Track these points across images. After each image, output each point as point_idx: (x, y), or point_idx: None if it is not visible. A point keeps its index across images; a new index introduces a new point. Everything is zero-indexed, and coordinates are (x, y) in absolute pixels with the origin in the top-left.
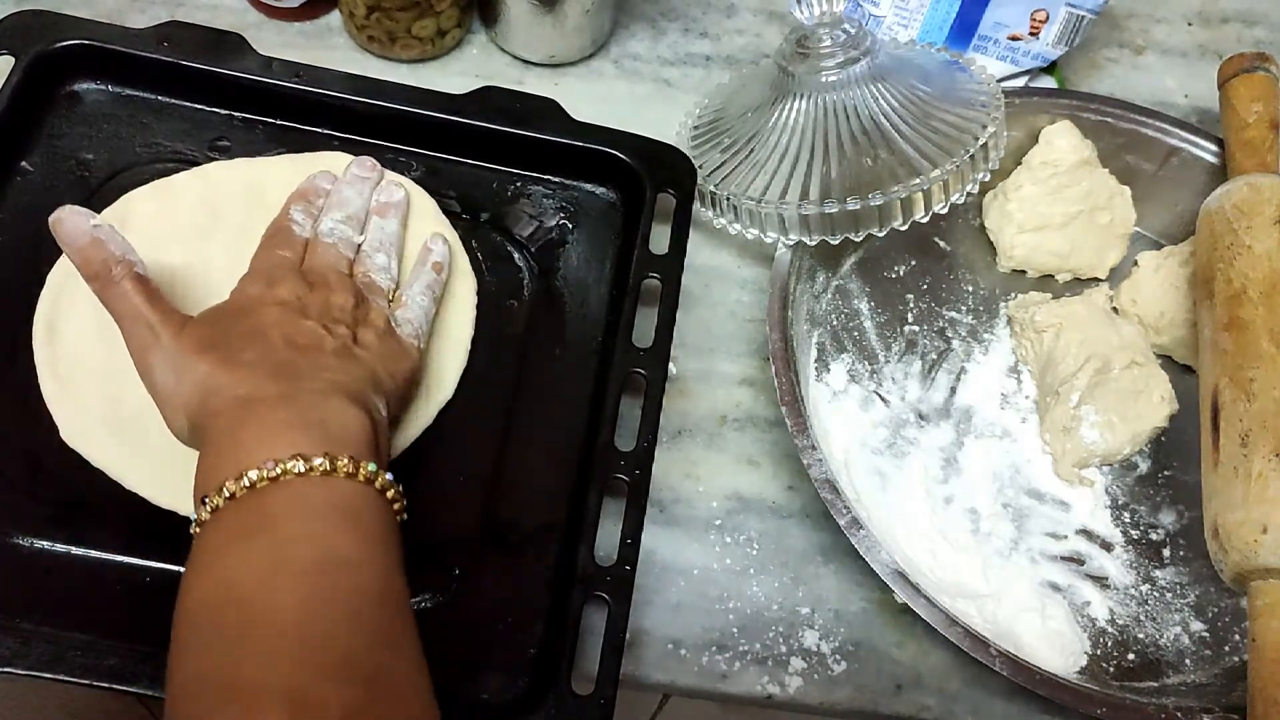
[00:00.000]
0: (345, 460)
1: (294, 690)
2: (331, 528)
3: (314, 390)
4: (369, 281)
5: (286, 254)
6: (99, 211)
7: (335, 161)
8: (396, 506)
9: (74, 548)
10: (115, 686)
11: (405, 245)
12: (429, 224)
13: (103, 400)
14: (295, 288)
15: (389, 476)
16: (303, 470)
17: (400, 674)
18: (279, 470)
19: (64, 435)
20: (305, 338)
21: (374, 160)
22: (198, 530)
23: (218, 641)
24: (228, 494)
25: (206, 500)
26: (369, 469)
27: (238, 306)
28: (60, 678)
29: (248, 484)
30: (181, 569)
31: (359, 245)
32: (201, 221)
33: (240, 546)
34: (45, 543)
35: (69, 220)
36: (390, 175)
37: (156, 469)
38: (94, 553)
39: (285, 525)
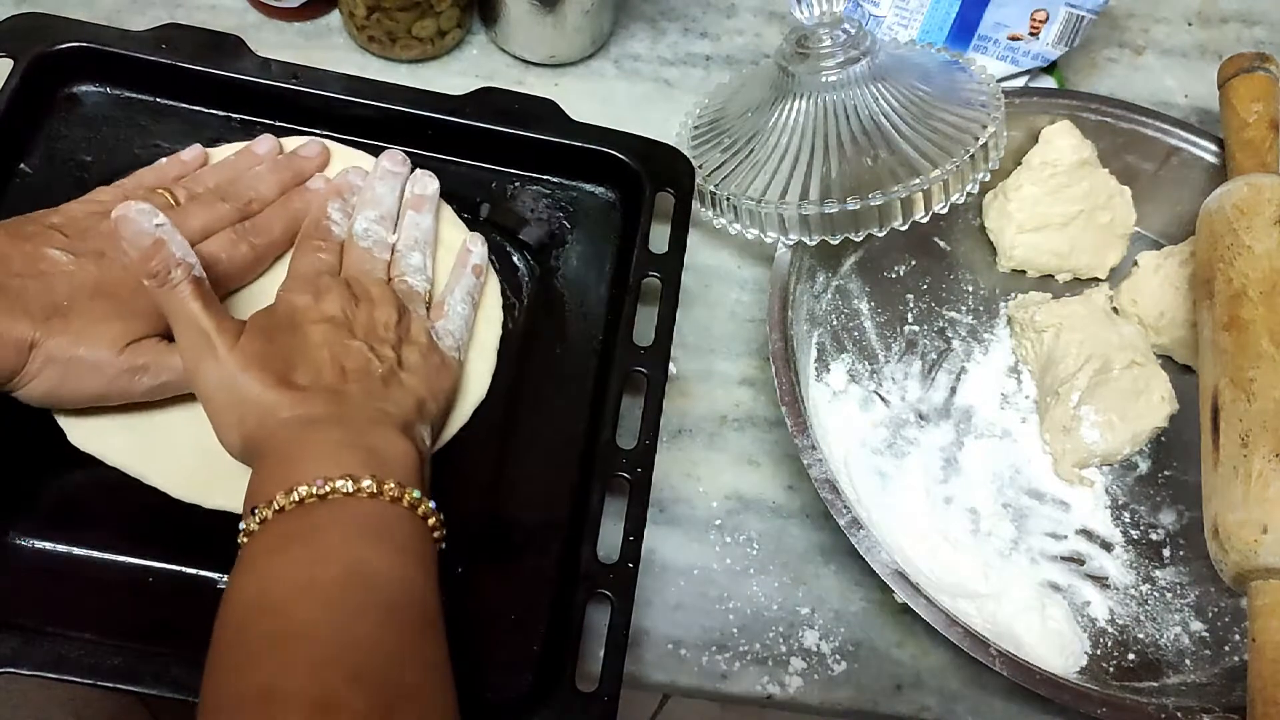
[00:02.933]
0: (392, 485)
1: (317, 694)
2: (370, 543)
3: (364, 417)
4: (406, 288)
5: (327, 257)
6: None
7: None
8: (437, 535)
9: (76, 548)
10: (119, 686)
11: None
12: (446, 229)
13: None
14: (341, 301)
15: (432, 504)
16: (350, 490)
17: (427, 690)
18: (328, 488)
19: (72, 440)
20: (354, 360)
21: (404, 154)
22: (245, 540)
23: (251, 648)
24: (276, 507)
25: (256, 511)
26: (413, 495)
27: (287, 318)
28: (63, 678)
29: (297, 499)
30: (184, 569)
31: (393, 245)
32: None
33: (280, 557)
34: (47, 543)
35: (133, 218)
36: (419, 170)
37: (177, 462)
38: (96, 553)
39: (326, 538)
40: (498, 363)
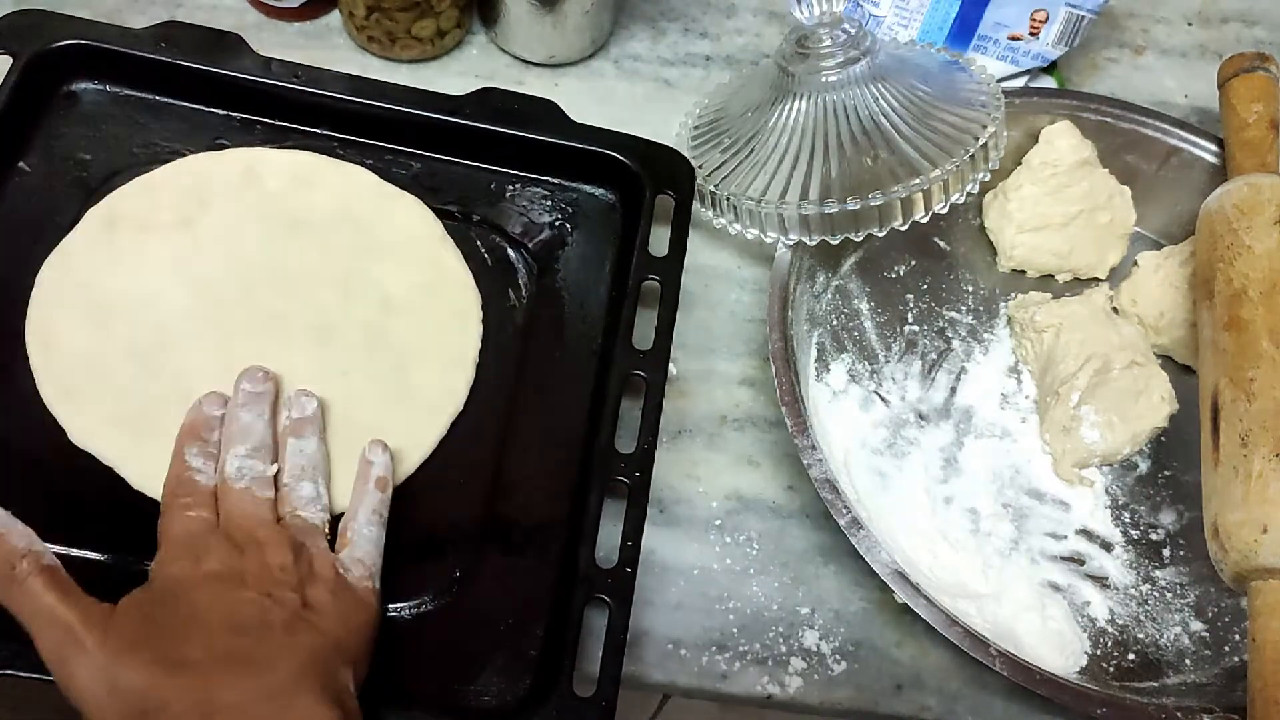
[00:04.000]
0: None
1: None
2: None
3: (275, 686)
4: (300, 523)
5: (200, 513)
6: (88, 210)
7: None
8: None
9: (74, 549)
10: None
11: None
12: (434, 248)
13: (105, 397)
14: (223, 556)
15: None
16: None
17: None
18: None
19: (71, 437)
20: (247, 613)
21: (264, 369)
22: None
23: None
24: None
25: None
26: None
27: (164, 590)
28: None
29: None
30: None
31: (276, 479)
32: (188, 212)
33: None
34: (46, 543)
35: None
36: (290, 388)
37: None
38: (94, 554)
39: None
40: (498, 364)
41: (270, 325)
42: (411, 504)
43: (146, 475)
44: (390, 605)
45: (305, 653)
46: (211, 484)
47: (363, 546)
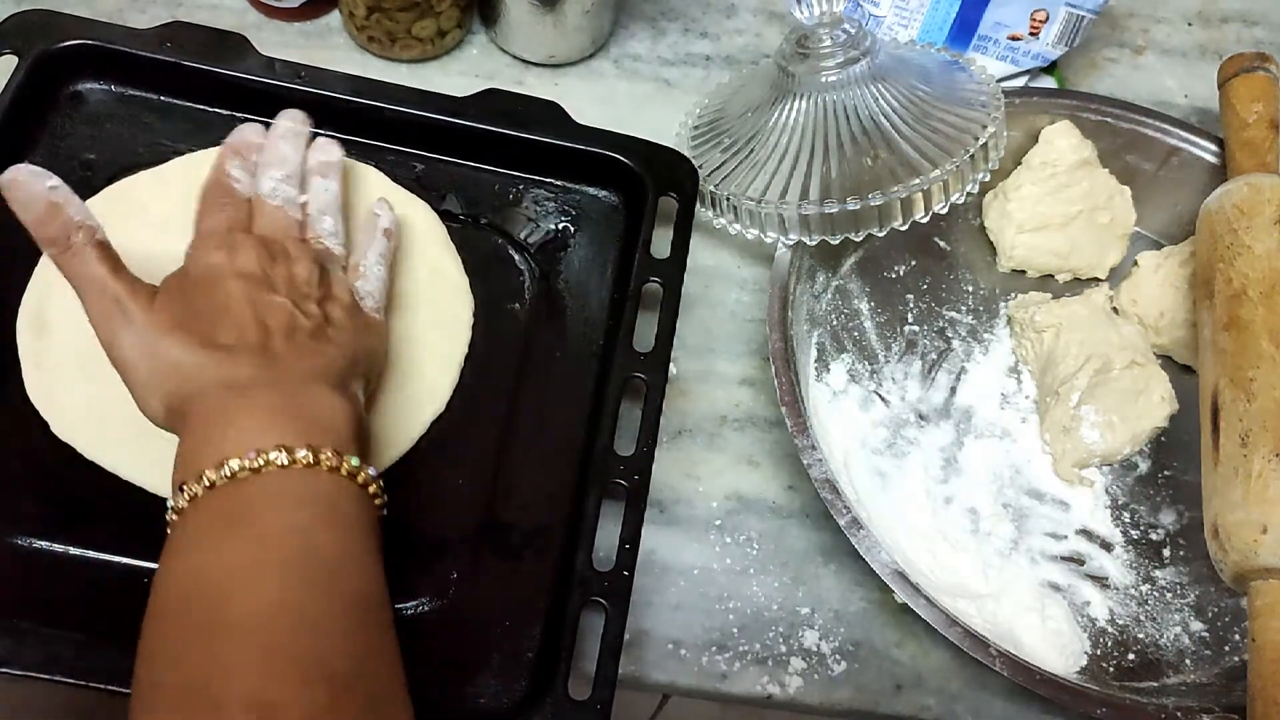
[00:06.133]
0: (329, 453)
1: (255, 697)
2: (311, 523)
3: (296, 377)
4: (323, 249)
5: (235, 214)
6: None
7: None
8: (378, 502)
9: (71, 548)
10: (111, 688)
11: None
12: (435, 251)
13: (93, 392)
14: (256, 257)
15: (371, 471)
16: (285, 462)
17: (373, 676)
18: (261, 461)
19: (54, 429)
20: (278, 317)
21: (303, 112)
22: (174, 518)
23: (184, 639)
24: (207, 483)
25: (185, 488)
26: (352, 463)
27: (201, 276)
28: (55, 678)
29: (228, 474)
30: None
31: (303, 206)
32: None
33: (216, 539)
34: (43, 542)
35: (23, 181)
36: (320, 137)
37: (151, 457)
38: (91, 553)
39: (265, 519)
40: (498, 365)
41: None
42: (409, 505)
43: (136, 470)
44: None
45: (324, 359)
46: (246, 193)
47: (373, 281)
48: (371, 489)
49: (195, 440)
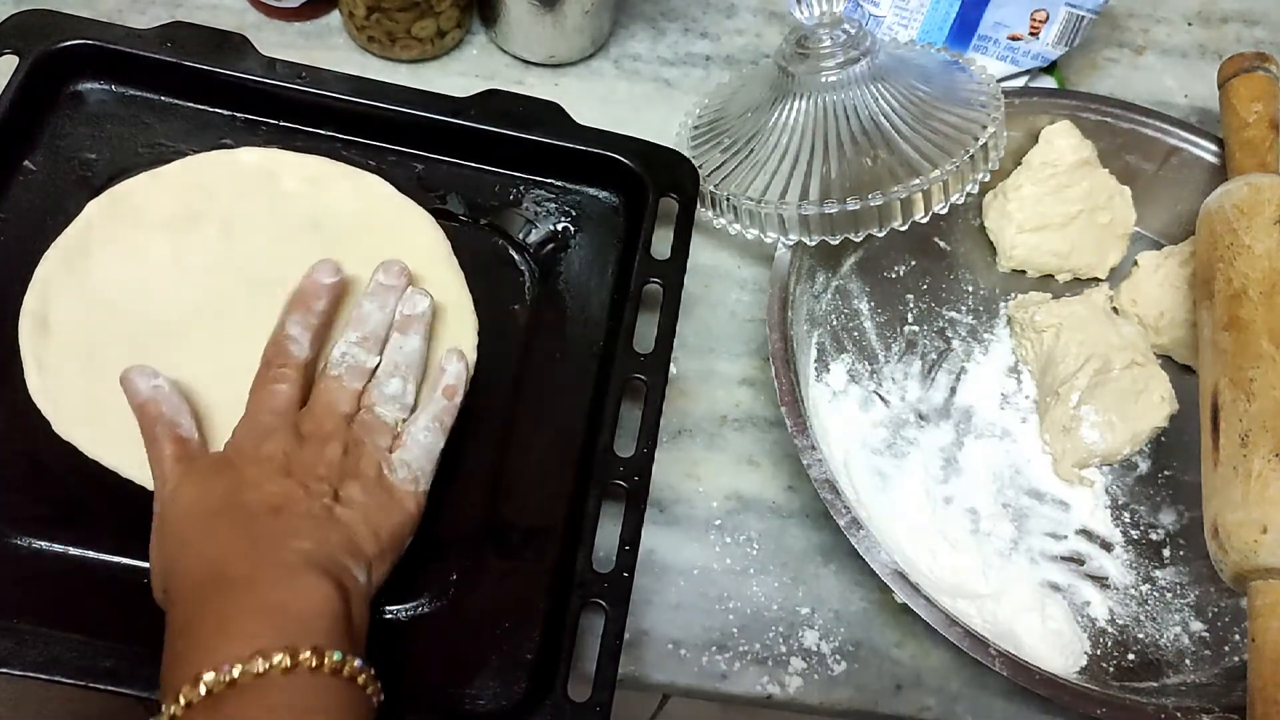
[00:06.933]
0: (307, 653)
1: None
2: None
3: (278, 564)
4: (371, 419)
5: (286, 389)
6: (92, 199)
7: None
8: (369, 690)
9: (72, 548)
10: (110, 688)
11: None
12: (439, 267)
13: (94, 390)
14: (284, 443)
15: (358, 663)
16: (261, 670)
17: None
18: (236, 672)
19: (55, 428)
20: (278, 498)
21: (402, 264)
22: None
23: None
24: (184, 703)
25: (164, 708)
26: (334, 659)
27: (226, 460)
28: (55, 679)
29: (204, 691)
30: None
31: (373, 369)
32: (195, 208)
33: None
34: (44, 543)
35: (134, 379)
36: (411, 289)
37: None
38: (92, 554)
39: None
40: (498, 366)
41: (266, 327)
42: None
43: (135, 467)
44: (386, 607)
45: (315, 540)
46: (304, 356)
47: (413, 450)
48: (361, 679)
49: (174, 645)
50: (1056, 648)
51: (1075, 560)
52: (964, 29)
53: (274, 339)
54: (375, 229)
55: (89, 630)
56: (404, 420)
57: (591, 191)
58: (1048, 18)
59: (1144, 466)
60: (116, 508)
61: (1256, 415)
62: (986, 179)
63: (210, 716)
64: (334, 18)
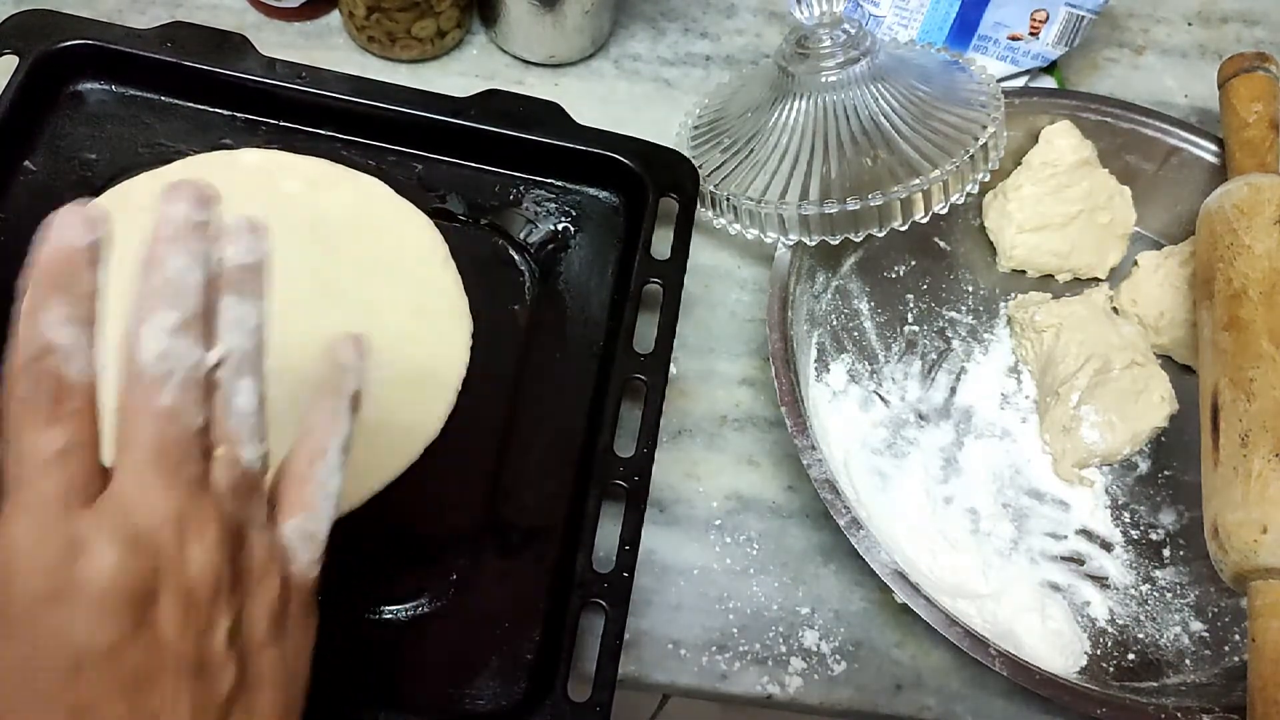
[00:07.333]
0: None
1: None
2: None
3: None
4: (235, 476)
5: (66, 449)
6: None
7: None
8: None
9: None
10: None
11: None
12: (436, 271)
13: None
14: (109, 567)
15: None
16: None
17: None
18: None
19: None
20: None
21: (202, 185)
22: None
23: None
24: None
25: None
26: None
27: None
28: None
29: None
30: None
31: (209, 374)
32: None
33: None
34: None
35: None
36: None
37: None
38: None
39: None
40: (498, 366)
41: None
42: (409, 506)
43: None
44: (385, 608)
45: None
46: (84, 376)
47: (324, 509)
48: None
49: None
50: (1056, 648)
51: (1075, 560)
52: (964, 29)
53: (23, 352)
54: (373, 231)
55: None
56: (264, 457)
57: (591, 191)
58: (1048, 18)
59: (1144, 466)
60: None
61: (1256, 415)
62: (986, 179)
63: None
64: (334, 18)
